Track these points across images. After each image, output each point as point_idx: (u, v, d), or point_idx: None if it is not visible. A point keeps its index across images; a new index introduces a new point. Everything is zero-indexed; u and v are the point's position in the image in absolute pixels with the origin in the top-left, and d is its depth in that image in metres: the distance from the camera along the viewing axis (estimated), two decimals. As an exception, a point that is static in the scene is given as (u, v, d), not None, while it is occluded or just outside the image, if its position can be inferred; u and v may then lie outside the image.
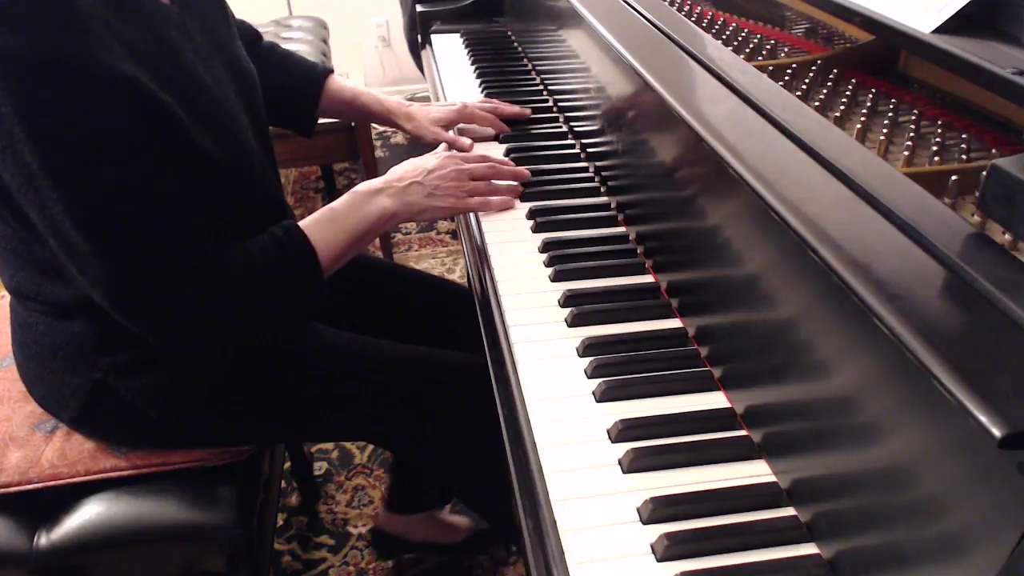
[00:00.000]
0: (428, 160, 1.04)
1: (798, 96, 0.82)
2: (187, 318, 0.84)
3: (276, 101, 1.19)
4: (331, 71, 1.25)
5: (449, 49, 1.72)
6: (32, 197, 0.76)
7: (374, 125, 3.28)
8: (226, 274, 0.85)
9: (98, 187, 0.76)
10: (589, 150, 1.19)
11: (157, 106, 0.78)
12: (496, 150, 1.23)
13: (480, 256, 1.00)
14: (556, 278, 0.93)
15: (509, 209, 1.06)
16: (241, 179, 0.91)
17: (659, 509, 0.63)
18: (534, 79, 1.51)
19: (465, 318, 1.21)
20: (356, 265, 1.24)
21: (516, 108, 1.31)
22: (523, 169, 1.11)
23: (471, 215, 1.07)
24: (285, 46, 2.39)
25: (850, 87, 0.89)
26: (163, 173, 0.80)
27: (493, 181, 1.07)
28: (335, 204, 0.96)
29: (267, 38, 1.24)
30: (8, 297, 0.96)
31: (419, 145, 1.20)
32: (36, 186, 0.75)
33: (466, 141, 1.22)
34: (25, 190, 0.76)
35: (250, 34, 1.21)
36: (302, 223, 0.93)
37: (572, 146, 1.24)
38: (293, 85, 1.22)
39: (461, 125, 1.28)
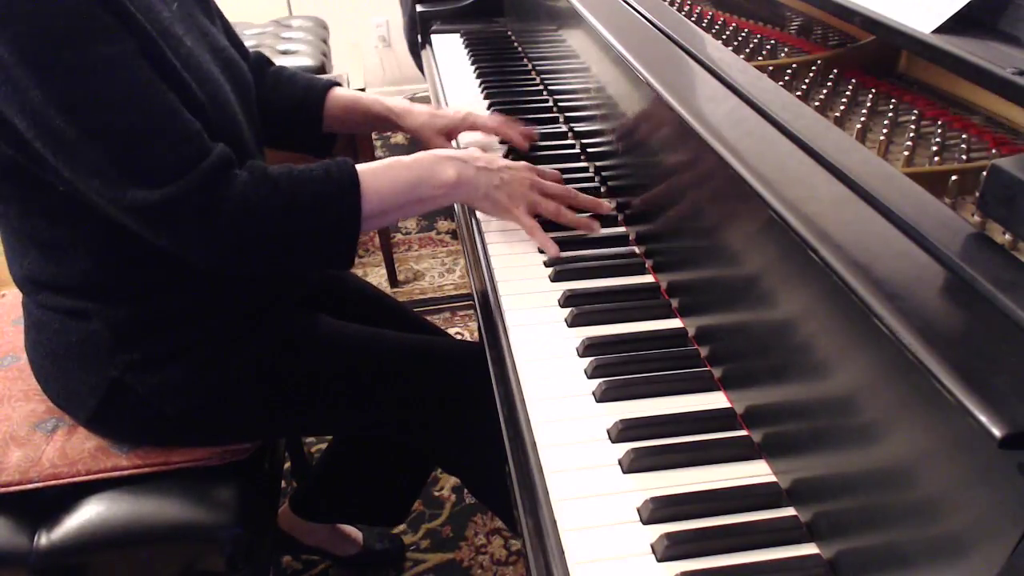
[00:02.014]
0: (503, 158, 1.01)
1: (798, 96, 0.82)
2: (196, 209, 0.80)
3: (284, 119, 1.17)
4: (336, 83, 1.21)
5: (449, 49, 1.72)
6: (10, 92, 0.76)
7: (374, 125, 3.29)
8: (257, 171, 0.83)
9: (72, 69, 0.75)
10: (589, 150, 1.19)
11: (127, 19, 0.76)
12: (496, 150, 1.23)
13: (480, 256, 1.00)
14: (556, 278, 0.93)
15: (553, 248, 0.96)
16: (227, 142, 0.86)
17: (659, 509, 0.63)
18: (534, 79, 1.51)
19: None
20: (362, 296, 1.24)
21: (524, 128, 1.21)
22: (602, 201, 1.03)
23: (472, 213, 1.07)
24: (285, 46, 2.42)
25: (850, 87, 0.89)
26: (141, 65, 0.77)
27: (562, 209, 0.99)
28: (403, 157, 0.94)
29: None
30: (8, 295, 0.96)
31: (419, 145, 1.19)
32: (12, 79, 0.75)
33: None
34: (4, 88, 0.76)
35: (259, 59, 1.19)
36: (361, 164, 0.90)
37: (572, 146, 1.24)
38: (297, 100, 1.19)
39: (464, 134, 1.24)
